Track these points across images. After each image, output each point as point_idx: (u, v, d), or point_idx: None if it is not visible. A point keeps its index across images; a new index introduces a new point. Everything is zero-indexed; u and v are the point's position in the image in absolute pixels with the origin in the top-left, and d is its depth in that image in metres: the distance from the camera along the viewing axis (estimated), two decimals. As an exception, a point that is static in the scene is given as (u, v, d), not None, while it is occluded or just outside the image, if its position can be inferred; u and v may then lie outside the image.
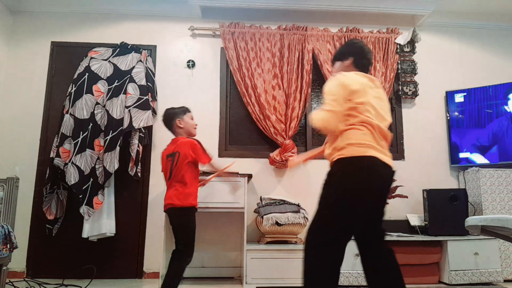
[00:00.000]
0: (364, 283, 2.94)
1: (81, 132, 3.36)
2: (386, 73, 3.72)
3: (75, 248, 3.34)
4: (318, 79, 3.87)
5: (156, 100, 3.61)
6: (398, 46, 3.82)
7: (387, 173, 1.78)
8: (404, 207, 3.57)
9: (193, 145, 2.34)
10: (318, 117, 1.75)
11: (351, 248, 2.97)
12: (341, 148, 1.75)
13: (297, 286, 2.89)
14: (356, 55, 2.00)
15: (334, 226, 1.68)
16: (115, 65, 3.54)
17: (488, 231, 1.88)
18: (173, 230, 2.29)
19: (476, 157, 3.59)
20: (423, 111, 3.84)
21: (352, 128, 1.76)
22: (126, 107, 3.37)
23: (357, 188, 1.69)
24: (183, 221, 2.27)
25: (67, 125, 3.37)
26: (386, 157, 1.76)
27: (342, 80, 1.81)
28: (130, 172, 3.27)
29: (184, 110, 2.48)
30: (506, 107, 3.55)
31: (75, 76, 3.50)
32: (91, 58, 3.56)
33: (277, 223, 3.07)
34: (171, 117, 2.44)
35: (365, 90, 1.81)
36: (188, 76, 3.74)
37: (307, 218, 3.16)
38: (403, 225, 3.37)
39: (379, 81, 2.04)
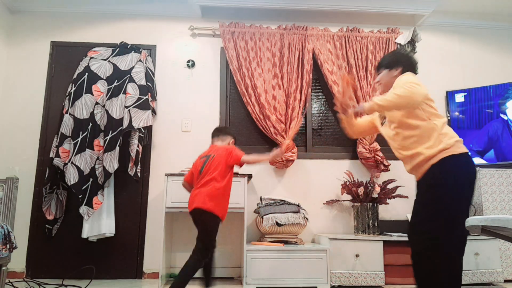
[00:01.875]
0: (364, 283, 2.94)
1: (81, 132, 3.36)
2: (386, 73, 3.72)
3: (74, 248, 3.33)
4: (318, 79, 3.86)
5: (156, 100, 3.61)
6: (398, 45, 3.81)
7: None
8: (404, 207, 3.57)
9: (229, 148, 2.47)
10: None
11: (351, 248, 2.98)
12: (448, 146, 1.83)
13: (297, 286, 2.89)
14: (405, 65, 2.06)
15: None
16: (114, 65, 3.54)
17: (489, 231, 1.87)
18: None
19: (474, 160, 3.59)
20: (423, 111, 3.83)
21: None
22: (126, 107, 3.36)
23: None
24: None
25: (67, 125, 3.36)
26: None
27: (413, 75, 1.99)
28: (129, 172, 3.26)
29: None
30: (502, 115, 3.54)
31: (75, 76, 3.50)
32: (91, 58, 3.56)
33: (277, 223, 3.07)
34: (231, 135, 2.62)
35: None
36: (188, 76, 3.74)
37: (307, 219, 3.16)
38: (403, 225, 3.36)
39: None
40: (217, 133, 2.63)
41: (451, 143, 1.81)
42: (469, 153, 1.85)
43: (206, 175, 2.34)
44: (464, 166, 1.80)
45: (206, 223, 2.28)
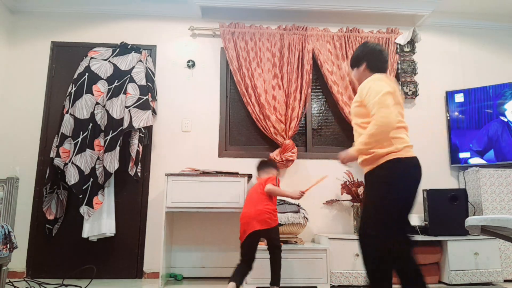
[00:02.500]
0: (364, 283, 2.94)
1: (81, 132, 3.36)
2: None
3: (75, 248, 3.34)
4: (318, 79, 3.87)
5: (156, 100, 3.61)
6: (398, 46, 3.82)
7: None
8: (404, 207, 3.57)
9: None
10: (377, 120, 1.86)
11: (351, 247, 2.99)
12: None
13: (297, 286, 2.89)
14: (368, 59, 2.06)
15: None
16: (115, 65, 3.54)
17: (488, 231, 1.88)
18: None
19: (474, 160, 3.59)
20: (423, 111, 3.84)
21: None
22: (126, 107, 3.37)
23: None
24: None
25: (67, 125, 3.37)
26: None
27: (378, 78, 1.97)
28: (130, 172, 3.27)
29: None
30: (502, 117, 3.54)
31: (75, 76, 3.50)
32: (91, 58, 3.56)
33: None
34: (274, 167, 2.89)
35: (396, 91, 1.96)
36: (188, 76, 3.74)
37: (307, 218, 3.16)
38: (403, 225, 3.36)
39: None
40: (262, 166, 2.87)
41: (401, 147, 1.90)
42: (416, 159, 1.95)
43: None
44: (410, 170, 1.91)
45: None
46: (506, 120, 3.53)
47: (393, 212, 1.87)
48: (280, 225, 3.08)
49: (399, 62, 3.81)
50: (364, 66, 2.07)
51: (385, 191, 1.90)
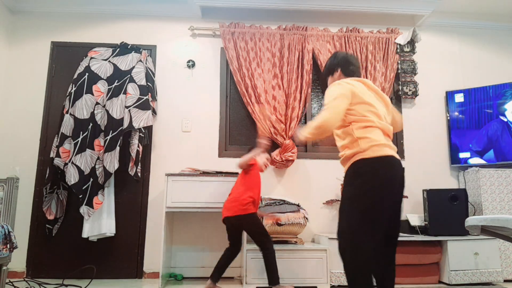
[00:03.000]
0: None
1: (81, 132, 3.36)
2: (386, 73, 3.72)
3: (75, 248, 3.34)
4: (318, 79, 3.87)
5: (156, 100, 3.61)
6: (398, 46, 3.82)
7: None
8: (404, 207, 3.57)
9: None
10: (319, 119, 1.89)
11: (351, 248, 2.98)
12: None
13: (297, 286, 2.89)
14: (342, 65, 2.16)
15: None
16: (115, 65, 3.54)
17: (488, 231, 1.88)
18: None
19: (474, 160, 3.59)
20: (423, 111, 3.84)
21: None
22: (126, 107, 3.37)
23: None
24: None
25: (67, 125, 3.37)
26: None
27: (338, 83, 2.03)
28: (130, 172, 3.27)
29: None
30: (501, 117, 3.54)
31: (75, 76, 3.50)
32: (91, 58, 3.56)
33: (277, 223, 3.07)
34: (261, 146, 2.87)
35: (362, 92, 1.99)
36: (188, 76, 3.74)
37: (307, 218, 3.16)
38: (403, 225, 3.36)
39: (371, 82, 2.16)
40: (249, 150, 2.92)
41: (365, 147, 1.88)
42: (388, 158, 1.88)
43: None
44: (377, 170, 1.85)
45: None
46: (506, 120, 3.53)
47: (358, 214, 1.82)
48: (280, 225, 3.08)
49: (399, 62, 3.81)
50: (339, 72, 2.18)
51: (350, 193, 1.88)
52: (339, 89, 1.99)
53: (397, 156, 1.94)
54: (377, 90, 2.11)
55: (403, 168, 1.96)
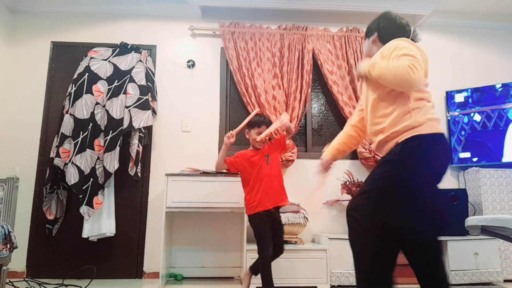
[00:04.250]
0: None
1: (81, 132, 3.36)
2: (386, 73, 3.72)
3: (75, 248, 3.33)
4: (318, 79, 3.87)
5: (156, 100, 3.61)
6: (398, 46, 3.81)
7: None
8: (404, 207, 3.56)
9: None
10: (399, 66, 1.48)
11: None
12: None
13: (297, 286, 2.89)
14: (381, 29, 1.79)
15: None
16: (115, 65, 3.54)
17: (488, 231, 1.88)
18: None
19: (474, 160, 3.59)
20: (423, 111, 3.83)
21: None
22: (126, 107, 3.37)
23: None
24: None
25: (67, 125, 3.37)
26: None
27: (407, 40, 1.66)
28: (130, 172, 3.27)
29: (253, 124, 2.62)
30: (503, 114, 3.54)
31: (75, 76, 3.50)
32: (91, 58, 3.56)
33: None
34: (248, 126, 2.65)
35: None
36: (188, 76, 3.74)
37: (307, 218, 3.16)
38: (403, 225, 3.37)
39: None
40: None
41: (422, 120, 1.55)
42: (443, 136, 1.60)
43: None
44: (435, 151, 1.54)
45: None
46: (506, 118, 3.53)
47: (387, 201, 1.51)
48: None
49: (399, 62, 3.80)
50: (376, 36, 1.79)
51: (394, 171, 1.53)
52: (413, 47, 1.60)
53: None
54: None
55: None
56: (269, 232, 2.44)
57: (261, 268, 2.42)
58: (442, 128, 1.68)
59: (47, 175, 3.32)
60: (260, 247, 2.45)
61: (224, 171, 2.73)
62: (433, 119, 1.58)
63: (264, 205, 2.45)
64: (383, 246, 1.52)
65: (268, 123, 2.66)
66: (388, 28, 1.79)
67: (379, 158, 3.54)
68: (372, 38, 1.82)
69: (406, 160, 1.52)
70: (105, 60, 3.57)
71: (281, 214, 3.09)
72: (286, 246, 2.97)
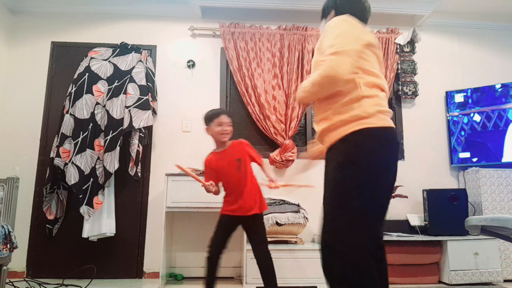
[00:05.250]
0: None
1: (81, 132, 3.36)
2: (386, 73, 3.73)
3: (75, 248, 3.34)
4: (318, 79, 3.87)
5: (156, 100, 3.61)
6: (398, 46, 3.82)
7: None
8: (404, 207, 3.57)
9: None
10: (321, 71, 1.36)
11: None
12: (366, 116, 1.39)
13: (298, 286, 2.89)
14: (338, 4, 1.63)
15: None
16: (115, 65, 3.54)
17: (488, 231, 1.88)
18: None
19: (474, 160, 3.59)
20: (423, 111, 3.84)
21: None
22: (126, 107, 3.37)
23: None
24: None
25: (67, 125, 3.37)
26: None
27: (343, 19, 1.48)
28: (130, 172, 3.27)
29: (210, 117, 2.37)
30: (503, 114, 3.54)
31: (75, 76, 3.50)
32: (91, 58, 3.56)
33: (277, 223, 3.07)
34: (204, 123, 2.41)
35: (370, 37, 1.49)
36: (188, 76, 3.74)
37: (307, 218, 3.16)
38: (403, 225, 3.37)
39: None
40: None
41: (371, 112, 1.38)
42: (394, 131, 1.44)
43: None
44: (386, 146, 1.39)
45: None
46: (505, 117, 3.53)
47: (362, 206, 1.32)
48: (280, 225, 3.08)
49: (399, 62, 3.81)
50: (333, 15, 1.62)
51: (350, 175, 1.34)
52: (346, 25, 1.45)
53: None
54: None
55: None
56: (221, 235, 2.30)
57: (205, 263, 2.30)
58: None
59: (47, 175, 3.32)
60: (209, 243, 2.30)
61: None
62: (384, 111, 1.42)
63: (229, 210, 2.30)
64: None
65: (226, 111, 2.43)
66: (345, 3, 1.62)
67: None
68: (330, 17, 1.65)
69: (356, 161, 1.35)
70: (105, 60, 3.57)
71: (281, 214, 3.11)
72: (287, 246, 2.97)
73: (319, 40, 1.53)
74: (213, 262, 2.30)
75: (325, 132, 1.46)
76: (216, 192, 2.30)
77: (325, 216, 1.39)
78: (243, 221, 2.32)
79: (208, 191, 2.26)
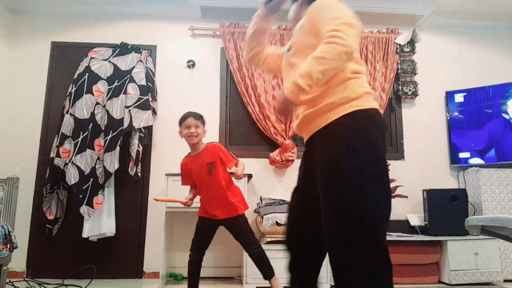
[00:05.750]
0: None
1: (81, 132, 3.36)
2: (386, 73, 3.72)
3: (75, 248, 3.34)
4: (318, 79, 3.87)
5: (156, 100, 3.61)
6: (398, 46, 3.82)
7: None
8: (404, 207, 3.57)
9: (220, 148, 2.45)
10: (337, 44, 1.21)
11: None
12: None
13: (297, 286, 2.89)
14: None
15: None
16: (115, 65, 3.54)
17: (488, 231, 1.88)
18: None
19: (474, 160, 3.59)
20: (423, 111, 3.84)
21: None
22: (126, 107, 3.37)
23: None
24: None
25: (67, 125, 3.37)
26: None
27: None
28: (130, 172, 3.27)
29: (180, 121, 2.42)
30: (504, 114, 3.55)
31: (75, 76, 3.50)
32: (91, 58, 3.57)
33: (277, 223, 3.07)
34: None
35: None
36: (188, 76, 3.74)
37: (307, 218, 3.16)
38: (403, 225, 3.37)
39: None
40: None
41: (360, 93, 1.29)
42: (378, 112, 1.33)
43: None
44: (379, 129, 1.28)
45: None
46: (508, 117, 3.52)
47: (381, 200, 1.20)
48: (280, 225, 3.08)
49: (399, 62, 3.81)
50: None
51: (354, 165, 1.20)
52: (342, 5, 1.37)
53: None
54: None
55: None
56: (202, 237, 2.38)
57: (188, 266, 2.36)
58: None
59: (47, 175, 3.32)
60: (190, 246, 2.39)
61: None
62: (370, 92, 1.32)
63: (205, 213, 2.36)
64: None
65: (194, 114, 2.46)
66: None
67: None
68: (303, 1, 1.47)
69: (357, 147, 1.22)
70: (105, 60, 3.57)
71: (281, 214, 3.11)
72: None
73: (307, 19, 1.40)
74: (197, 265, 2.37)
75: (311, 117, 1.33)
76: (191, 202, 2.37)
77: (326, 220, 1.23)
78: (222, 223, 2.38)
79: (188, 206, 2.36)
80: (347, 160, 1.20)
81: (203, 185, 2.37)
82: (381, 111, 3.42)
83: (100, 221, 3.24)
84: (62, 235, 3.35)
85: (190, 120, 2.39)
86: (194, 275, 2.36)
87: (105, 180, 3.26)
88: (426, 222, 3.26)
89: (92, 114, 3.40)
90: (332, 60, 1.19)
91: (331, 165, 1.24)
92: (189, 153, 2.48)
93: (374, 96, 1.34)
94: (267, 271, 2.40)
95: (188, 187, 2.80)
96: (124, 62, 3.55)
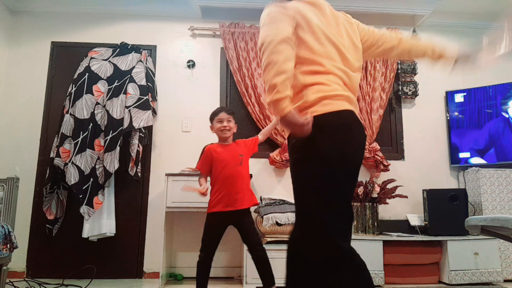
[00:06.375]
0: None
1: (81, 132, 3.36)
2: (386, 73, 3.72)
3: (75, 248, 3.34)
4: (318, 79, 3.87)
5: (156, 100, 3.61)
6: (398, 46, 3.81)
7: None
8: (404, 207, 3.57)
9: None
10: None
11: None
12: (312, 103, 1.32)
13: (297, 286, 2.89)
14: None
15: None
16: (115, 65, 3.54)
17: (488, 231, 1.88)
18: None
19: (474, 160, 3.59)
20: (423, 111, 3.84)
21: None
22: (126, 107, 3.37)
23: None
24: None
25: (67, 125, 3.37)
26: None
27: (278, 5, 1.37)
28: (130, 172, 3.27)
29: (212, 116, 2.52)
30: (504, 113, 3.55)
31: (75, 76, 3.50)
32: (91, 58, 3.57)
33: (277, 223, 3.07)
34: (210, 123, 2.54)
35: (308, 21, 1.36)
36: (188, 76, 3.74)
37: (307, 218, 3.16)
38: (403, 225, 3.37)
39: (329, 6, 1.54)
40: None
41: (313, 99, 1.31)
42: (347, 113, 1.35)
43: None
44: (335, 132, 1.31)
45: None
46: (507, 116, 3.52)
47: (319, 199, 1.29)
48: (280, 225, 3.08)
49: (399, 62, 3.81)
50: None
51: (303, 169, 1.32)
52: (279, 10, 1.34)
53: (358, 114, 1.40)
54: (346, 19, 1.53)
55: (365, 135, 1.45)
56: (215, 236, 2.38)
57: (197, 268, 2.34)
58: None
59: (47, 175, 3.32)
60: (201, 247, 2.37)
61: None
62: (328, 96, 1.32)
63: (224, 206, 2.35)
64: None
65: (226, 109, 2.58)
66: None
67: (378, 158, 3.54)
68: None
69: (310, 156, 1.30)
70: (105, 60, 3.57)
71: (281, 214, 3.11)
72: (287, 246, 2.96)
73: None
74: (206, 265, 2.35)
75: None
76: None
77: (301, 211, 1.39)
78: (235, 217, 2.38)
79: (205, 195, 2.35)
80: (299, 171, 1.35)
81: (229, 174, 2.37)
82: (381, 111, 3.43)
83: (100, 221, 3.24)
84: (62, 235, 3.35)
85: (223, 115, 2.47)
86: (204, 276, 2.35)
87: (105, 180, 3.26)
88: (426, 222, 3.26)
89: (92, 114, 3.40)
90: (270, 59, 1.25)
91: (292, 167, 1.39)
92: (217, 142, 2.53)
93: (339, 98, 1.34)
94: (268, 279, 2.39)
95: (188, 192, 2.79)
96: (124, 62, 3.55)
